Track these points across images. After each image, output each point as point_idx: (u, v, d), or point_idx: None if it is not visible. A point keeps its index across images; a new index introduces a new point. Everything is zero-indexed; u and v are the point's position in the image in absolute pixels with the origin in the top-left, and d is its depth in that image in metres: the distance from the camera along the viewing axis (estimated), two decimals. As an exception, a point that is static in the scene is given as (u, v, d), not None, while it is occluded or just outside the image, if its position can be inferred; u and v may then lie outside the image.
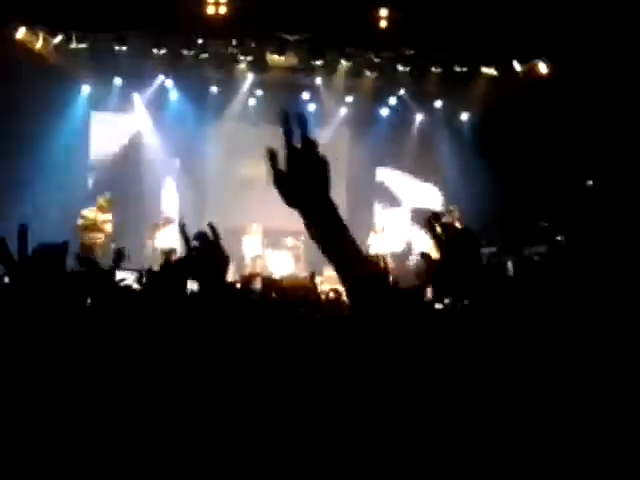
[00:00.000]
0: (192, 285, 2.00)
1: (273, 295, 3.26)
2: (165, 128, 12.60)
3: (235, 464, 1.60)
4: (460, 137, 12.81)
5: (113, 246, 11.07)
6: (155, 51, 10.82)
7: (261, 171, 11.94)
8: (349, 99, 12.72)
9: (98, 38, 10.54)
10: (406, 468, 1.31)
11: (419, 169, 13.26)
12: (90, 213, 10.99)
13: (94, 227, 10.89)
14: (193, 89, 12.35)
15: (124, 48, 10.59)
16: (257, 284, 3.91)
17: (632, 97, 9.41)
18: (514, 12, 9.62)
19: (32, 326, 1.65)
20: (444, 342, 1.43)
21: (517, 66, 10.87)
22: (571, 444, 1.26)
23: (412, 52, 11.01)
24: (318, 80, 12.21)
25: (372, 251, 11.39)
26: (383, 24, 9.85)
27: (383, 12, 9.79)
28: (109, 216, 11.06)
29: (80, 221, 10.81)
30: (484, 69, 11.02)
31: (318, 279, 11.95)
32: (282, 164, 1.41)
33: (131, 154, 12.74)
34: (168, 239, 11.61)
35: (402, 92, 12.61)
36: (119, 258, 3.43)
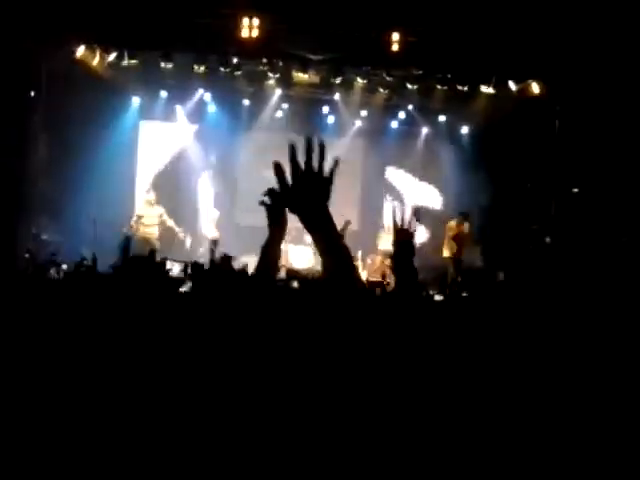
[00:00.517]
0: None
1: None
2: (203, 135, 12.65)
3: (250, 460, 1.54)
4: (460, 147, 12.75)
5: (182, 236, 11.19)
6: (196, 68, 10.83)
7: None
8: (364, 113, 12.66)
9: (147, 56, 10.58)
10: (411, 462, 1.28)
11: (423, 174, 13.20)
12: (141, 210, 11.12)
13: (148, 222, 11.03)
14: (228, 102, 12.36)
15: (170, 65, 10.62)
16: (282, 273, 3.92)
17: (614, 112, 9.30)
18: (510, 38, 9.53)
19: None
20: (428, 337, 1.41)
21: (512, 86, 10.77)
22: (565, 437, 1.22)
23: (420, 72, 10.94)
24: (337, 95, 12.15)
25: (381, 247, 11.33)
26: (395, 47, 9.78)
27: (395, 36, 9.73)
28: (160, 209, 11.19)
29: (134, 219, 10.95)
30: (483, 88, 10.92)
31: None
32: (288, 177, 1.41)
33: (174, 157, 12.81)
34: (212, 229, 11.77)
35: (410, 107, 12.53)
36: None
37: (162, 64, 10.58)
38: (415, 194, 13.34)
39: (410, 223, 1.87)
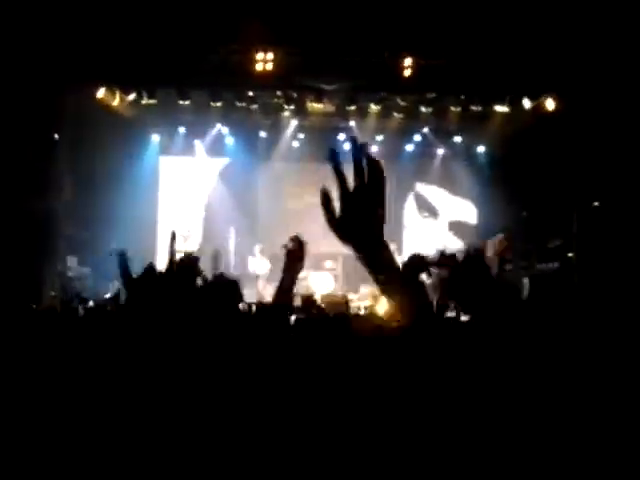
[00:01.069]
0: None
1: (313, 311, 3.27)
2: (222, 168, 12.82)
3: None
4: (477, 167, 12.73)
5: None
6: (213, 103, 11.04)
7: (303, 202, 12.04)
8: (379, 138, 12.74)
9: (165, 94, 10.83)
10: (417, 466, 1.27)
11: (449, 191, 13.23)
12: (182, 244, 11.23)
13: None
14: (245, 134, 12.55)
15: (187, 102, 10.85)
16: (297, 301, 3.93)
17: (631, 124, 9.22)
18: (522, 55, 9.56)
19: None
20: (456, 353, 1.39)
21: (527, 103, 10.76)
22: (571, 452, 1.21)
23: (433, 95, 11.00)
24: (352, 123, 12.26)
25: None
26: (407, 72, 9.88)
27: (407, 61, 9.83)
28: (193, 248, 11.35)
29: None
30: (497, 107, 10.93)
31: (354, 296, 11.81)
32: (336, 203, 1.24)
33: (194, 191, 12.99)
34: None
35: (425, 130, 12.58)
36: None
37: (179, 101, 10.82)
38: (450, 209, 13.32)
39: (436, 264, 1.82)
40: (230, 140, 12.73)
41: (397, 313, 1.29)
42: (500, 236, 10.58)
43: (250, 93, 10.90)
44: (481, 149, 12.80)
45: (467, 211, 13.19)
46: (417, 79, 9.97)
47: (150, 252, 11.22)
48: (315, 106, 11.13)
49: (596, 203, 9.93)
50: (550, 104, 10.58)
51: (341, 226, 1.23)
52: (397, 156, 12.98)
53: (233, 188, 12.86)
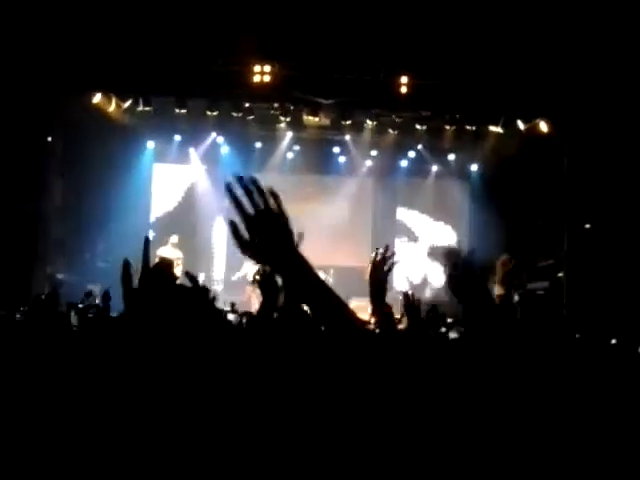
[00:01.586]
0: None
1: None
2: (216, 177, 12.82)
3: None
4: (471, 185, 12.83)
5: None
6: (209, 113, 11.07)
7: (295, 214, 12.04)
8: (374, 153, 12.81)
9: (161, 102, 10.85)
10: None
11: (434, 212, 13.24)
12: (165, 251, 11.10)
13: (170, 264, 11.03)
14: (241, 144, 12.58)
15: (183, 110, 10.87)
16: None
17: (621, 148, 9.35)
18: (517, 79, 9.70)
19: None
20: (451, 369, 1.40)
21: (521, 125, 10.89)
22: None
23: (428, 113, 11.11)
24: (347, 137, 12.34)
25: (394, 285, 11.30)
26: (403, 90, 9.98)
27: (403, 79, 9.93)
28: (180, 253, 11.26)
29: (157, 260, 10.95)
30: (491, 127, 11.05)
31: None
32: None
33: (187, 199, 12.98)
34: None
35: (420, 147, 12.67)
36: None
37: (176, 110, 10.84)
38: (429, 233, 13.37)
39: (387, 260, 1.90)
40: (225, 149, 12.75)
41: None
42: (505, 257, 10.60)
43: (247, 104, 10.95)
44: (474, 167, 12.91)
45: (448, 236, 13.22)
46: (413, 97, 10.08)
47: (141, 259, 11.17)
48: (311, 119, 11.19)
49: (587, 225, 10.03)
50: (543, 127, 10.72)
51: (251, 247, 1.28)
52: (391, 172, 13.06)
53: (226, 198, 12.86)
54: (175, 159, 12.73)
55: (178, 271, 11.28)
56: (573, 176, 10.30)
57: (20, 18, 8.56)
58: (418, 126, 11.46)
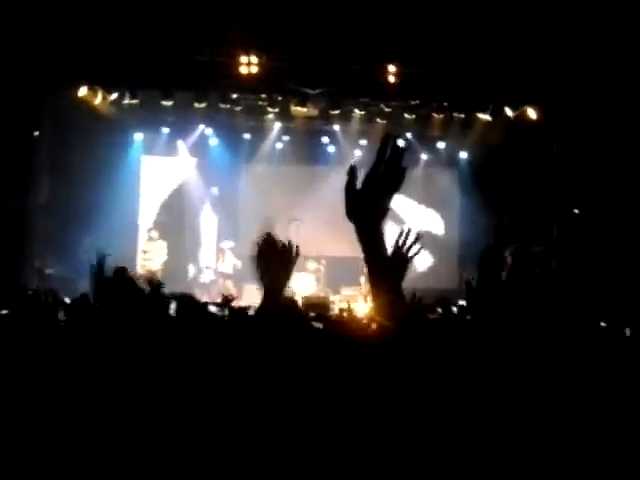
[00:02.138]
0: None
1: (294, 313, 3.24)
2: (205, 169, 12.78)
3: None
4: (460, 173, 12.86)
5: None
6: (197, 104, 10.99)
7: (286, 205, 12.03)
8: (363, 142, 12.78)
9: (148, 94, 10.77)
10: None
11: (424, 200, 13.24)
12: (146, 245, 11.28)
13: (151, 257, 11.27)
14: (229, 136, 12.52)
15: (170, 102, 10.79)
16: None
17: (609, 135, 9.40)
18: (505, 66, 9.70)
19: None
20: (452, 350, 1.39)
21: (509, 112, 10.90)
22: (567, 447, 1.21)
23: (417, 102, 11.10)
24: (336, 126, 12.30)
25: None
26: (392, 78, 9.96)
27: (391, 68, 9.90)
28: (163, 243, 11.42)
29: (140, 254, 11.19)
30: (480, 115, 11.06)
31: (336, 297, 11.85)
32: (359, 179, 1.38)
33: (176, 191, 12.93)
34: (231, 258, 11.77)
35: (409, 135, 12.66)
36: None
37: (163, 102, 10.76)
38: (417, 219, 13.37)
39: (410, 248, 1.82)
40: (214, 141, 12.69)
41: (379, 313, 1.31)
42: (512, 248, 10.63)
43: (234, 95, 10.88)
44: (464, 155, 12.93)
45: (434, 222, 13.24)
46: (401, 86, 10.06)
47: (130, 252, 11.15)
48: (299, 109, 11.14)
49: (576, 210, 10.09)
50: (531, 114, 10.74)
51: (356, 196, 1.36)
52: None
53: (215, 188, 12.85)
54: (163, 151, 12.65)
55: (163, 257, 11.50)
56: (561, 162, 10.35)
57: (4, 12, 8.44)
58: (407, 115, 11.44)
